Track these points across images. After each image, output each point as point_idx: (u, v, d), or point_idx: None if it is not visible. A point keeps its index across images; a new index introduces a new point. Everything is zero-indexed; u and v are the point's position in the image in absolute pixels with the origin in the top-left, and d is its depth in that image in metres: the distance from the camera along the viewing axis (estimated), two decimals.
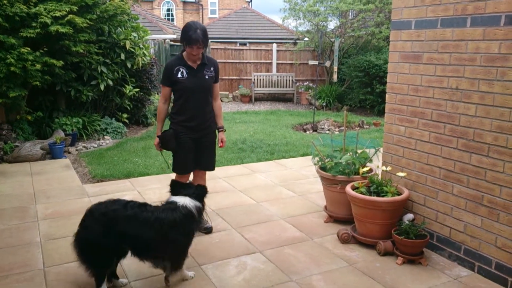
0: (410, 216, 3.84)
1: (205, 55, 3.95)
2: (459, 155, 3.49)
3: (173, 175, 4.24)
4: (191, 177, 4.24)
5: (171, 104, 4.11)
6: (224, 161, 6.87)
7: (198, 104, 3.95)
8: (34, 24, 7.01)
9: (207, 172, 4.30)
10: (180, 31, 3.89)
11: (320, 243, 3.98)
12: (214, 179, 5.88)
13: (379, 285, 3.27)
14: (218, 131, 4.18)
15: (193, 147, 4.01)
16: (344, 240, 3.96)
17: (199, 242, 3.98)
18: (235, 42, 20.45)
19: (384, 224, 3.75)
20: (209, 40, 15.81)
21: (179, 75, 3.84)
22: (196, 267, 3.55)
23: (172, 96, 4.04)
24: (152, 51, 12.09)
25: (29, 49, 6.83)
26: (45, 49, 7.17)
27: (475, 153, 3.37)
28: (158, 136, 4.02)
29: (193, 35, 3.67)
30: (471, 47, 3.33)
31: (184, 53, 3.89)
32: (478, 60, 3.29)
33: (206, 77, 3.94)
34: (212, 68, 3.99)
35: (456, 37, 3.43)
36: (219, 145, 4.19)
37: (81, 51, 7.75)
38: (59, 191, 5.44)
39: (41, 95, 8.12)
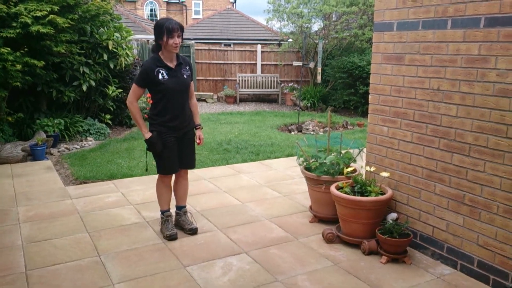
0: (393, 215, 3.89)
1: (179, 55, 3.97)
2: (441, 155, 3.55)
3: (155, 177, 4.22)
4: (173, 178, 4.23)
5: (143, 104, 4.09)
6: (209, 162, 6.85)
7: (179, 104, 3.96)
8: (14, 24, 6.89)
9: (189, 172, 4.31)
10: (153, 33, 3.87)
11: (305, 243, 4.00)
12: (198, 180, 5.86)
13: (364, 284, 3.30)
14: (196, 129, 4.21)
15: (177, 146, 4.01)
16: (329, 240, 3.98)
17: (184, 243, 3.97)
18: (220, 43, 20.41)
19: (368, 224, 3.79)
20: (194, 41, 15.80)
21: (160, 77, 3.82)
22: (181, 268, 3.53)
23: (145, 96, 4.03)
24: (135, 51, 12.00)
25: (9, 49, 6.71)
26: (25, 49, 7.04)
27: (457, 153, 3.43)
28: (145, 141, 3.95)
29: (170, 25, 3.73)
30: (451, 48, 3.39)
31: (160, 53, 3.87)
32: (459, 62, 3.35)
33: (185, 76, 3.97)
34: (187, 67, 4.03)
35: (437, 38, 3.49)
36: (197, 142, 4.20)
37: (63, 51, 7.64)
38: (40, 193, 5.35)
39: (22, 96, 7.98)
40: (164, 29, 3.72)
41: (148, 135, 3.89)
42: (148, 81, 3.86)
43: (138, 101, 3.99)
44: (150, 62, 3.88)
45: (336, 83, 13.30)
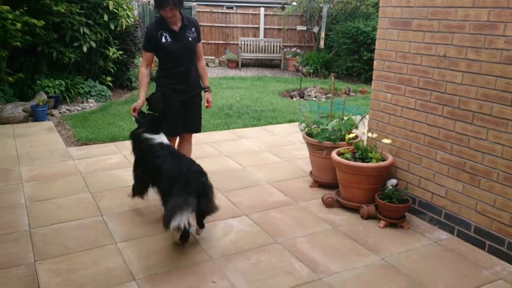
0: (393, 181, 3.92)
1: (184, 16, 3.85)
2: (444, 122, 3.54)
3: None
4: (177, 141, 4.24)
5: (154, 67, 4.04)
6: (211, 127, 6.85)
7: (185, 68, 3.90)
8: None
9: (193, 136, 4.30)
10: None
11: (305, 207, 4.05)
12: (200, 144, 5.87)
13: (361, 247, 3.37)
14: (205, 91, 4.17)
15: (181, 109, 3.98)
16: (329, 204, 4.03)
17: None
18: (222, 5, 19.96)
19: (368, 189, 3.83)
20: (195, 3, 15.45)
21: (163, 40, 3.74)
22: None
23: (156, 59, 3.97)
24: (136, 12, 11.75)
25: (8, 7, 6.58)
26: (25, 8, 6.91)
27: (460, 120, 3.42)
28: (146, 99, 3.93)
29: None
30: (460, 14, 3.32)
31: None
32: (467, 28, 3.29)
33: (190, 39, 3.87)
34: (193, 29, 3.91)
35: (445, 4, 3.41)
36: (206, 105, 4.17)
37: (63, 10, 7.50)
38: (43, 153, 5.38)
39: (22, 56, 7.89)
40: (157, 0, 3.58)
41: (139, 101, 3.81)
42: (152, 44, 3.79)
43: (148, 67, 3.92)
44: (153, 25, 3.80)
45: (340, 49, 13.11)
